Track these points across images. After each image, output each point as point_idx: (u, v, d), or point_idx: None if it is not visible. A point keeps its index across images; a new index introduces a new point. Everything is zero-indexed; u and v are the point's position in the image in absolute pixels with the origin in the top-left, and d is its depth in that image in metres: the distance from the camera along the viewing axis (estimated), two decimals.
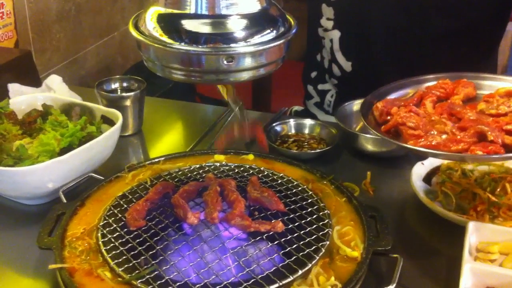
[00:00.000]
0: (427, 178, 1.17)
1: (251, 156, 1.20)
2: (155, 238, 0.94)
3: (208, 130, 1.45)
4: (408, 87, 1.14)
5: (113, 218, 1.00)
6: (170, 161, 1.20)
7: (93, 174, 1.14)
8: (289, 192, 1.07)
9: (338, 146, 1.32)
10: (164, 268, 0.88)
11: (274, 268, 0.88)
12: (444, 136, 0.95)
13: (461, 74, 1.12)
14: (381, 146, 1.27)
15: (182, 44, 0.81)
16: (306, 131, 1.38)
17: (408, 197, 1.16)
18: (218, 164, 1.17)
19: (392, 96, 1.11)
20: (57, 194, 1.09)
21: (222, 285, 0.84)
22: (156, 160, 1.19)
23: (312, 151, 1.29)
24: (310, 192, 1.07)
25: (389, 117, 1.03)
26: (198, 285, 0.84)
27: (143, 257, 0.90)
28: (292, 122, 1.40)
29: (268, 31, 0.85)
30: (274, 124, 1.37)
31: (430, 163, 1.19)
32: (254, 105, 2.06)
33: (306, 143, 1.34)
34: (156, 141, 1.44)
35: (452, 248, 0.99)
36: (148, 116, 1.48)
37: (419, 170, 1.17)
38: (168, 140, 1.46)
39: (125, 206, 1.03)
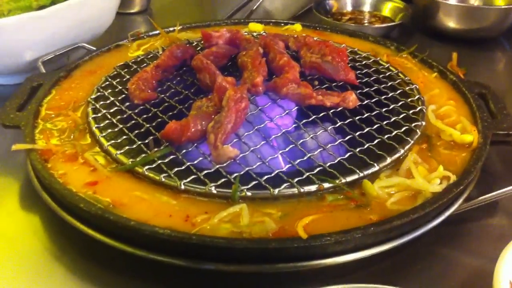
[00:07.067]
0: None
1: (298, 27, 0.89)
2: (170, 113, 0.64)
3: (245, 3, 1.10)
4: None
5: (110, 90, 0.70)
6: (190, 31, 0.89)
7: (84, 44, 0.84)
8: (357, 64, 0.76)
9: (410, 25, 1.00)
10: (183, 152, 0.59)
11: (349, 154, 0.58)
12: None
13: None
14: (467, 22, 0.95)
15: None
16: (366, 8, 1.06)
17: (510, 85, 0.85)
18: (255, 33, 0.86)
19: None
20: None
21: (272, 175, 0.55)
22: (172, 28, 0.88)
23: (378, 26, 0.97)
24: (387, 65, 0.76)
25: None
26: (236, 174, 0.55)
27: (152, 137, 0.60)
28: None
29: None
30: None
31: None
32: None
33: (366, 22, 1.02)
34: (168, 22, 1.12)
35: None
36: None
37: None
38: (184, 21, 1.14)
39: (128, 76, 0.73)
